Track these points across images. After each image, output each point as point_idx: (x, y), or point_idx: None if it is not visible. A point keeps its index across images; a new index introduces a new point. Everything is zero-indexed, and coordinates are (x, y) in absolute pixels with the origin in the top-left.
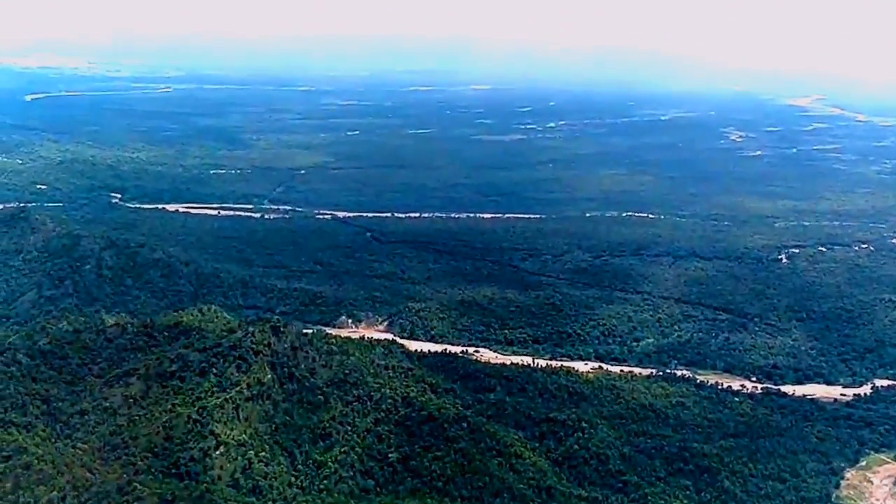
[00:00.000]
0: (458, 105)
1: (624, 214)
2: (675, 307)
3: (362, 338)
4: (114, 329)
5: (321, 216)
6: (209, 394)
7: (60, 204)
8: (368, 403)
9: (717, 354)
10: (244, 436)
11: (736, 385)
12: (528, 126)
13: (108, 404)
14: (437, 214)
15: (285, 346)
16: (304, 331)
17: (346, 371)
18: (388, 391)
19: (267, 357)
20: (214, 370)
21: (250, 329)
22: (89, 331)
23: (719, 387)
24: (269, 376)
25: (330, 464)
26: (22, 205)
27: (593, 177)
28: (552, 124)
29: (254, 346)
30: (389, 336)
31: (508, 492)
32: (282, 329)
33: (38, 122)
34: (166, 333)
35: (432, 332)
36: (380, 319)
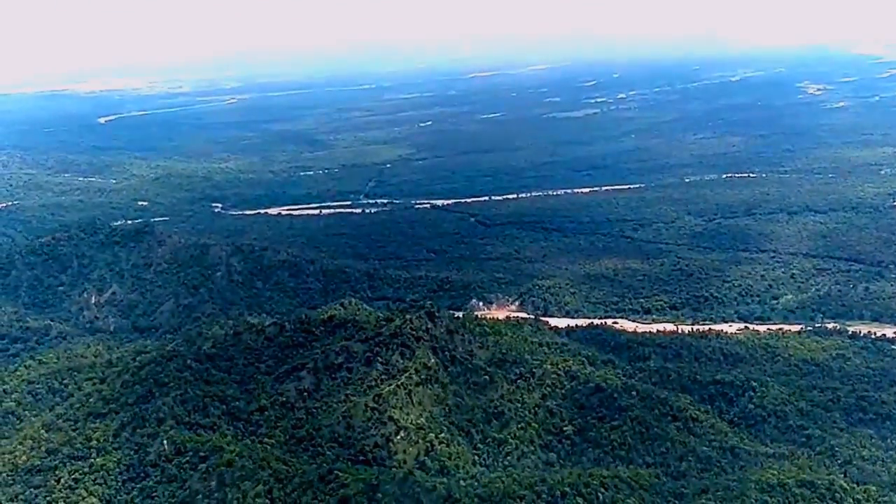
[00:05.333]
0: (521, 86)
1: (724, 176)
2: (805, 262)
3: (507, 317)
4: (272, 328)
5: (420, 206)
6: (379, 382)
7: (167, 218)
8: (532, 380)
9: (861, 305)
10: (421, 419)
11: (889, 333)
12: (599, 100)
13: (283, 399)
14: (534, 194)
15: (441, 330)
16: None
17: (504, 350)
18: (549, 367)
19: (427, 342)
20: (380, 358)
21: (407, 316)
22: (249, 332)
23: (873, 336)
24: (433, 360)
25: (510, 440)
26: (145, 220)
27: (680, 143)
28: (622, 95)
29: (413, 332)
30: (523, 315)
31: (692, 455)
32: (436, 314)
33: (119, 142)
34: (322, 328)
35: (566, 308)
36: (510, 299)
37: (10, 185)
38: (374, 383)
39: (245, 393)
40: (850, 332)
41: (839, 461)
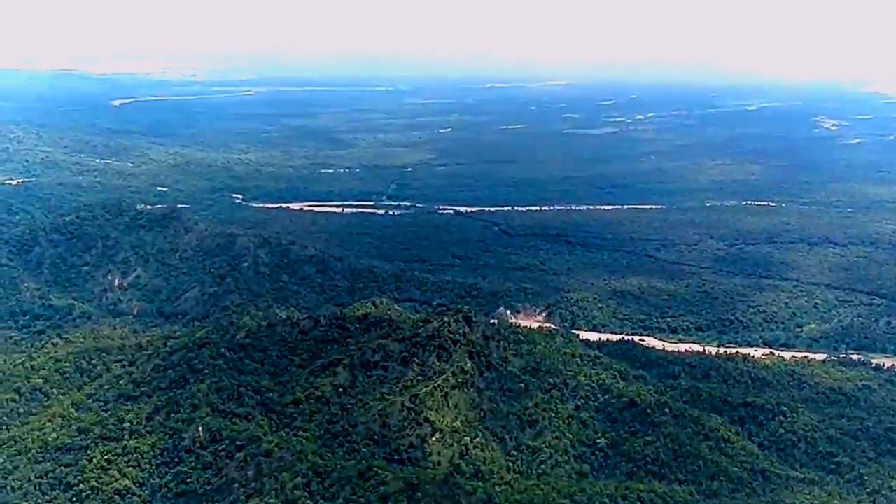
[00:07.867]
0: (540, 101)
1: (744, 203)
2: (827, 293)
3: (540, 328)
4: (307, 321)
5: (443, 211)
6: (415, 382)
7: (187, 205)
8: (566, 390)
9: (884, 338)
10: (457, 423)
11: None
12: (617, 119)
13: (318, 394)
14: (557, 207)
15: (478, 335)
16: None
17: (538, 359)
18: (582, 378)
19: (464, 346)
20: (416, 359)
21: (445, 319)
22: (283, 324)
23: None
24: (469, 365)
25: (544, 449)
26: (171, 206)
27: (700, 167)
28: (640, 116)
29: (451, 335)
30: (551, 326)
31: (724, 475)
32: (473, 319)
33: (135, 126)
34: (358, 325)
35: (594, 322)
36: (538, 310)
37: (27, 162)
38: (410, 383)
39: (279, 385)
40: (874, 364)
41: (868, 490)
